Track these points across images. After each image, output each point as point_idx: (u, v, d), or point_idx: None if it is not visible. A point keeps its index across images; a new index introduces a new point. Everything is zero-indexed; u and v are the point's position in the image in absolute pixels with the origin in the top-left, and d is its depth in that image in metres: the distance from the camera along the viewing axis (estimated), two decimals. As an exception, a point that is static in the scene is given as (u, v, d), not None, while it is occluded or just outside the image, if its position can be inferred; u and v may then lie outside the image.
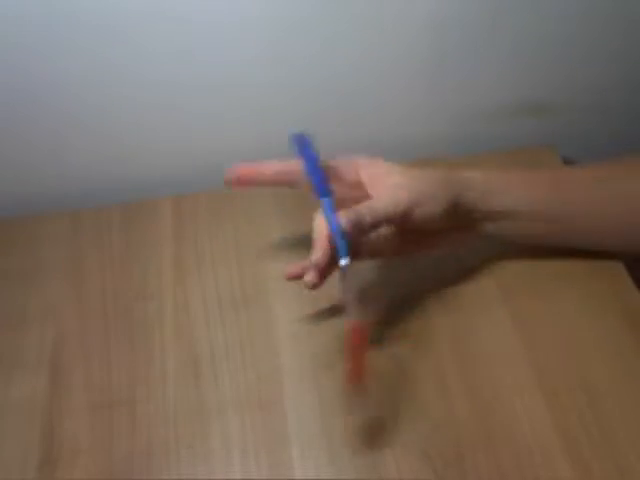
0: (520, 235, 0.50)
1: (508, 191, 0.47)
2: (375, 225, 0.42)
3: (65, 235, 0.58)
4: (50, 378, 0.49)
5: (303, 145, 0.44)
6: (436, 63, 0.61)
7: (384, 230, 0.45)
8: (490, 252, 0.54)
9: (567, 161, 0.64)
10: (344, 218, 0.40)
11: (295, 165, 0.44)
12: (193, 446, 0.45)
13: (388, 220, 0.43)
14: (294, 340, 0.50)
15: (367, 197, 0.44)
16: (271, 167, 0.46)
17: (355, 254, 0.41)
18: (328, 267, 0.42)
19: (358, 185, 0.45)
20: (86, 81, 0.56)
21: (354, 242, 0.41)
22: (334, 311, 0.51)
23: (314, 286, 0.42)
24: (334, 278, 0.42)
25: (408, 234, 0.46)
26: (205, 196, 0.61)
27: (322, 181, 0.42)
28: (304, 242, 0.40)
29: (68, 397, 0.47)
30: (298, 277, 0.44)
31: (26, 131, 0.59)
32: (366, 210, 0.42)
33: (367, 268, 0.52)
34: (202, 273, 0.55)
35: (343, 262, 0.39)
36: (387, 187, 0.44)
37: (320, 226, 0.42)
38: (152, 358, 0.49)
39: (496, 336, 0.49)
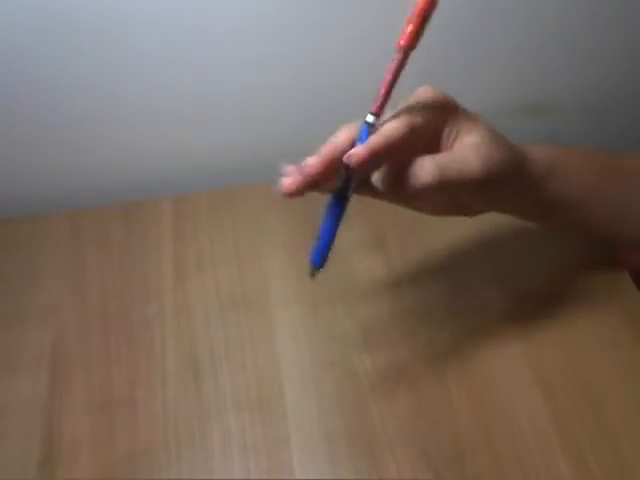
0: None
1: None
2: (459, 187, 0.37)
3: (65, 235, 0.58)
4: (50, 378, 0.49)
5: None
6: (436, 63, 0.61)
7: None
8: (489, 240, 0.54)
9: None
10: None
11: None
12: (193, 446, 0.45)
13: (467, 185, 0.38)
14: (294, 340, 0.50)
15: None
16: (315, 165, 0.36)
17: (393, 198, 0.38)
18: (314, 184, 0.35)
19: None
20: (86, 84, 0.56)
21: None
22: (334, 311, 0.51)
23: (289, 193, 0.35)
24: (330, 277, 0.42)
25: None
26: (205, 196, 0.61)
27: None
28: (305, 242, 0.39)
29: (68, 397, 0.47)
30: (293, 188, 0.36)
31: (26, 132, 0.59)
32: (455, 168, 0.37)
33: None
34: (202, 273, 0.55)
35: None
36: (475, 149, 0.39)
37: (340, 138, 0.36)
38: (152, 358, 0.49)
39: (496, 336, 0.49)
